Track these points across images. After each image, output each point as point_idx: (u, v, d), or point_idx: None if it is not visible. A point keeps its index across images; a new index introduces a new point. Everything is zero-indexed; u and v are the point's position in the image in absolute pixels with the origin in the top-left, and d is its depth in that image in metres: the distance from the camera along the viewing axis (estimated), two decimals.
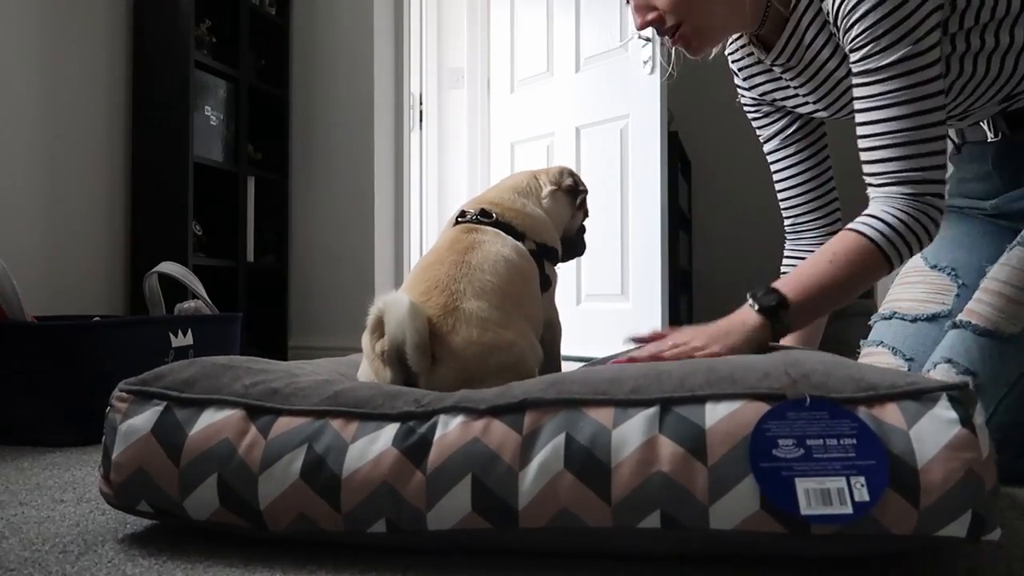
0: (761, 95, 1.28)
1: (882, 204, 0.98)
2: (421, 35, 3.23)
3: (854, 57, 0.99)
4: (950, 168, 1.33)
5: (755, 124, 1.33)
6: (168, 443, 0.72)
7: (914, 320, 1.20)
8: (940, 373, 1.04)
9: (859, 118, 0.99)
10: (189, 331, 1.61)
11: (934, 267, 1.23)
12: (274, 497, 0.69)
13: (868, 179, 1.01)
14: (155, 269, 1.79)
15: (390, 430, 0.68)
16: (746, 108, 1.33)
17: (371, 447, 0.68)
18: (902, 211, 0.96)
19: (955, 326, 1.07)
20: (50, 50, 2.26)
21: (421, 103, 3.23)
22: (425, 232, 3.29)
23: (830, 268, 0.97)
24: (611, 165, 2.68)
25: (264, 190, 2.95)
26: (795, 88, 1.20)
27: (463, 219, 1.02)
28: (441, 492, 0.65)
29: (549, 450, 0.64)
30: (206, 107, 2.63)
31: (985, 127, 1.17)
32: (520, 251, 0.99)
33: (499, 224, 1.00)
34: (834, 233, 1.29)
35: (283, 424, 0.71)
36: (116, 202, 2.50)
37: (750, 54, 1.23)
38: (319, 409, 0.71)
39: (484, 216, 1.01)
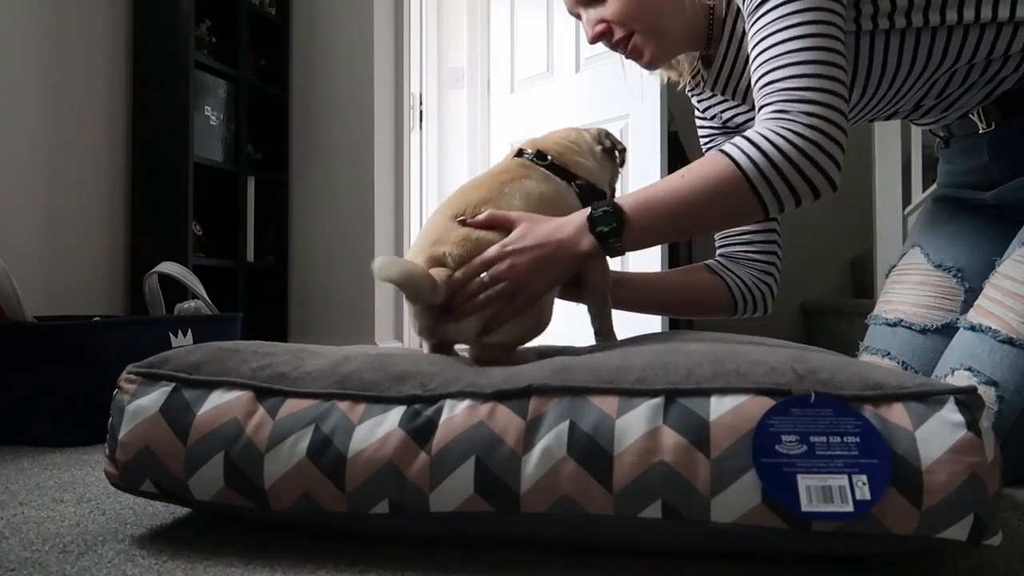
0: (724, 123, 1.26)
1: (771, 118, 0.85)
2: (421, 35, 3.23)
3: (746, 14, 0.94)
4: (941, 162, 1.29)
5: None
6: (176, 422, 0.73)
7: (923, 331, 1.15)
8: (960, 381, 0.98)
9: (757, 50, 0.90)
10: (189, 331, 1.61)
11: (938, 267, 1.17)
12: (279, 476, 0.69)
13: (757, 114, 0.89)
14: (155, 269, 1.79)
15: (396, 412, 0.69)
16: (703, 142, 1.30)
17: (377, 428, 0.68)
18: (789, 135, 0.83)
19: (971, 328, 1.01)
20: (50, 50, 2.26)
21: (421, 103, 3.23)
22: None
23: (681, 189, 0.86)
24: None
25: (264, 190, 2.94)
26: (734, 105, 1.19)
27: (520, 157, 1.05)
28: (444, 474, 0.66)
29: (552, 436, 0.64)
30: (206, 107, 2.63)
31: (975, 118, 1.12)
32: (561, 192, 1.00)
33: (553, 166, 1.02)
34: (766, 271, 1.21)
35: (291, 406, 0.71)
36: (116, 202, 2.50)
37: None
38: (326, 392, 0.72)
39: (540, 158, 1.03)
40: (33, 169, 2.20)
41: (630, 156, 2.61)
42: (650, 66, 1.11)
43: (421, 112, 3.22)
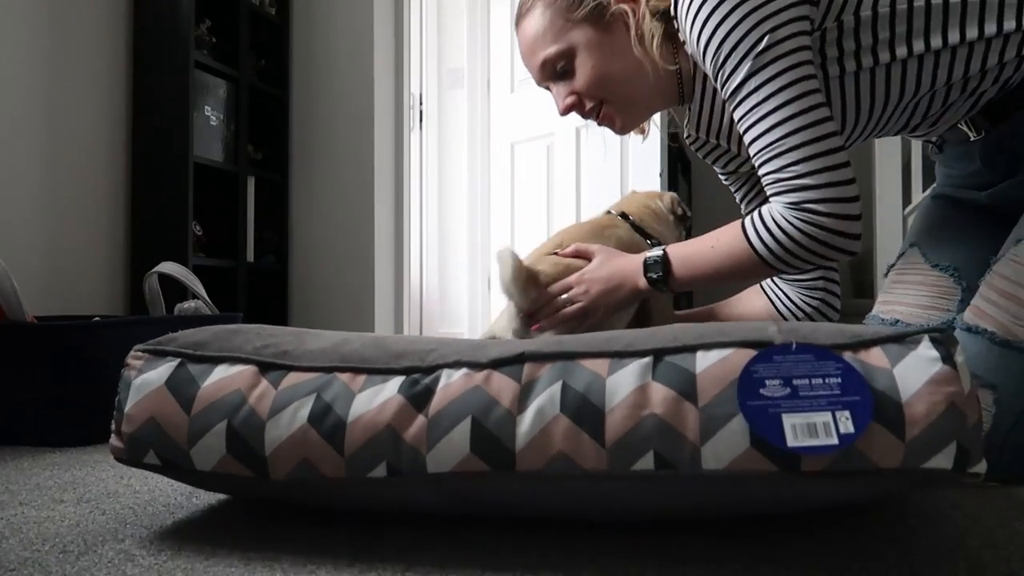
0: (724, 167, 1.29)
1: (780, 207, 0.95)
2: (421, 35, 3.23)
3: (724, 95, 0.97)
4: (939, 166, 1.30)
5: (739, 198, 1.32)
6: (181, 394, 0.74)
7: None
8: None
9: (746, 139, 0.97)
10: None
11: (936, 266, 1.16)
12: (280, 442, 0.70)
13: (767, 191, 0.98)
14: (155, 269, 1.79)
15: (395, 382, 0.71)
16: (725, 184, 1.35)
17: (377, 396, 0.70)
18: (798, 223, 0.94)
19: (967, 330, 0.99)
20: (50, 50, 2.26)
21: (421, 103, 3.23)
22: (425, 232, 3.29)
23: (712, 256, 1.04)
24: (611, 165, 2.68)
25: (264, 190, 2.95)
26: (724, 151, 1.22)
27: (608, 214, 1.32)
28: (441, 434, 0.67)
29: (546, 396, 0.66)
30: (206, 107, 2.63)
31: (964, 128, 1.10)
32: (640, 244, 1.25)
33: (634, 226, 1.29)
34: (813, 287, 1.28)
35: (293, 378, 0.74)
36: (116, 202, 2.50)
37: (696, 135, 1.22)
38: (328, 366, 0.74)
39: (623, 217, 1.30)
40: (33, 169, 2.20)
41: (630, 156, 2.62)
42: (622, 131, 1.16)
43: (421, 112, 3.23)
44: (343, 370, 0.73)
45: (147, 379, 0.76)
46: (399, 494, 0.71)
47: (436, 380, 0.70)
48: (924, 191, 3.40)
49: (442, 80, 3.33)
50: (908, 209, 3.38)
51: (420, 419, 0.68)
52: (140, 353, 0.79)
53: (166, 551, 0.72)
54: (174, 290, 2.01)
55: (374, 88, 2.94)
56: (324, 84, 3.02)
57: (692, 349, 0.66)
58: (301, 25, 3.06)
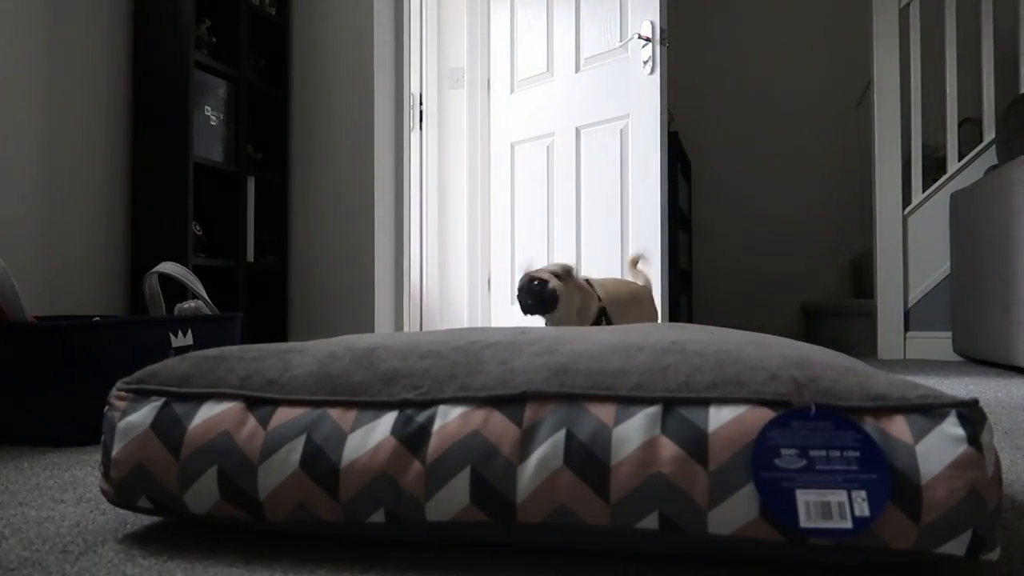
0: None
1: None
2: (421, 35, 3.23)
3: None
4: None
5: None
6: (168, 437, 0.73)
7: None
8: None
9: None
10: (189, 331, 1.61)
11: None
12: (274, 487, 0.69)
13: None
14: (155, 269, 1.79)
15: (388, 419, 0.69)
16: None
17: (369, 437, 0.68)
18: None
19: None
20: (50, 50, 2.26)
21: (421, 103, 3.23)
22: (425, 232, 3.29)
23: None
24: (611, 165, 2.68)
25: (264, 190, 2.95)
26: None
27: None
28: (440, 483, 0.65)
29: (549, 445, 0.64)
30: (206, 107, 2.63)
31: None
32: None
33: None
34: None
35: (282, 415, 0.71)
36: (116, 202, 2.50)
37: None
38: (317, 399, 0.72)
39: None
40: (33, 169, 2.20)
41: (630, 156, 2.62)
42: None
43: (421, 112, 3.22)
44: (332, 404, 0.71)
45: (132, 422, 0.74)
46: (400, 535, 0.70)
47: (431, 419, 0.68)
48: (924, 191, 3.40)
49: (442, 80, 3.33)
50: (908, 209, 3.37)
51: (417, 465, 0.66)
52: (123, 392, 0.77)
53: (166, 551, 0.72)
54: (174, 290, 2.01)
55: (374, 88, 2.94)
56: (324, 84, 3.02)
57: (705, 403, 0.63)
58: (301, 25, 3.06)
